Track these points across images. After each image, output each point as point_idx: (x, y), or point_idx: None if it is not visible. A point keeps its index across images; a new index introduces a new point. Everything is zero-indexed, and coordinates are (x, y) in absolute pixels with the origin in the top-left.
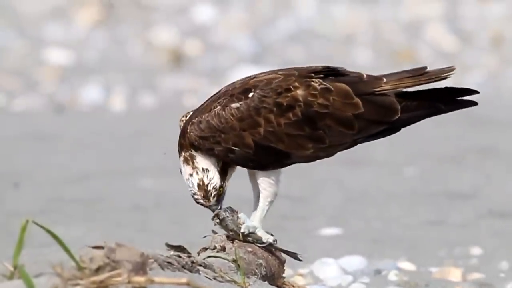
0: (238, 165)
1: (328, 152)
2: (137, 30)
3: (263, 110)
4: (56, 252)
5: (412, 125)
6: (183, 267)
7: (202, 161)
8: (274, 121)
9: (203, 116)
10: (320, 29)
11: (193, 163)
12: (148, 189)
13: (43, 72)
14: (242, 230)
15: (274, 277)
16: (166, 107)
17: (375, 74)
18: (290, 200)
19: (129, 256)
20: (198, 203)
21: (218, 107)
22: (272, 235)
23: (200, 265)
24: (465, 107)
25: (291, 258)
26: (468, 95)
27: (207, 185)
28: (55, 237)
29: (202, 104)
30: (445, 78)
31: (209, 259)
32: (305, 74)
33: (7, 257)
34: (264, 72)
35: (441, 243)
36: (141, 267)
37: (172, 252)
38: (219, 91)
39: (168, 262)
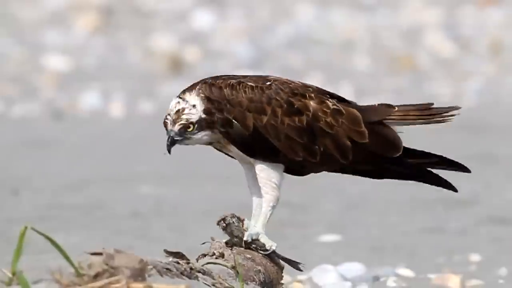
0: (230, 141)
1: (314, 168)
2: (136, 36)
3: (274, 101)
4: (54, 258)
5: (410, 130)
6: (181, 273)
7: (195, 100)
8: (280, 117)
9: (217, 81)
10: (319, 35)
11: (189, 95)
12: (147, 195)
13: (42, 79)
14: (245, 238)
15: (272, 283)
16: (165, 114)
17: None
18: (290, 206)
19: (128, 263)
20: (164, 123)
21: (234, 81)
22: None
23: (199, 272)
24: (445, 188)
25: (290, 266)
26: (459, 170)
27: (183, 114)
28: (54, 243)
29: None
30: (449, 119)
31: (208, 266)
32: (322, 91)
33: (6, 263)
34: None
35: (440, 250)
36: (139, 274)
37: (170, 259)
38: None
39: (167, 269)
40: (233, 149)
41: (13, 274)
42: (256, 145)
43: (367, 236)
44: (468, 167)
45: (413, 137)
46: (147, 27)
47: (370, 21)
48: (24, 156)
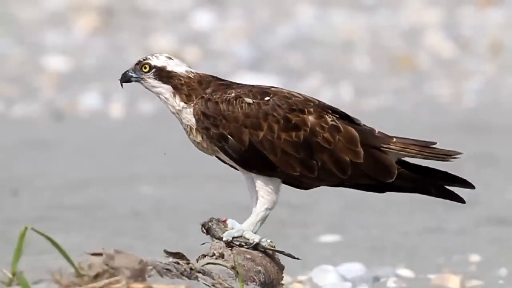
0: (227, 156)
1: (313, 183)
2: (136, 37)
3: (271, 117)
4: (55, 259)
5: (409, 130)
6: (181, 274)
7: (178, 67)
8: (276, 132)
9: (214, 96)
10: (319, 35)
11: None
12: (147, 195)
13: (42, 79)
14: (224, 239)
15: (273, 284)
16: (165, 114)
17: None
18: (290, 207)
19: (128, 263)
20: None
21: (233, 94)
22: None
23: (199, 272)
24: (453, 200)
25: (289, 257)
26: (463, 186)
27: (148, 56)
28: (54, 244)
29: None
30: (448, 160)
31: (207, 266)
32: (323, 106)
33: (6, 264)
34: (288, 90)
35: (439, 250)
36: (139, 274)
37: (171, 259)
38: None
39: (167, 269)
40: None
41: (13, 274)
42: (252, 160)
43: (367, 236)
44: (467, 165)
45: (413, 136)
46: (147, 27)
47: (370, 21)
48: (24, 156)
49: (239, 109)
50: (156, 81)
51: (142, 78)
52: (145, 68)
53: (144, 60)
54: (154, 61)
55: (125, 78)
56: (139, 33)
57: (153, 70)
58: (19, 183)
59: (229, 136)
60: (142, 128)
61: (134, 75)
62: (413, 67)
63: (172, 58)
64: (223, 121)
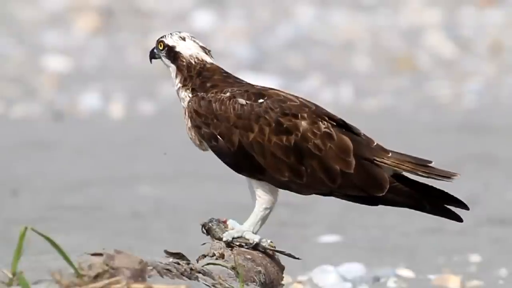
0: (217, 156)
1: (301, 189)
2: (136, 37)
3: (262, 120)
4: (55, 259)
5: (409, 130)
6: (182, 274)
7: (186, 49)
8: (267, 135)
9: (209, 95)
10: (319, 36)
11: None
12: (147, 196)
13: (42, 79)
14: (224, 239)
15: (273, 284)
16: (165, 114)
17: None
18: (289, 207)
19: (128, 263)
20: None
21: (227, 94)
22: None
23: (199, 272)
24: (448, 218)
25: (289, 258)
26: (458, 206)
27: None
28: (54, 244)
29: (224, 73)
30: (445, 180)
31: (208, 266)
32: (320, 113)
33: (6, 264)
34: (287, 93)
35: (440, 251)
36: (140, 274)
37: (171, 259)
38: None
39: (167, 269)
40: None
41: (13, 274)
42: (241, 162)
43: (367, 236)
44: (467, 166)
45: (413, 136)
46: (147, 27)
47: (370, 21)
48: (24, 156)
49: (232, 110)
50: (167, 60)
51: (159, 56)
52: (161, 46)
53: (161, 38)
54: (168, 40)
55: (151, 55)
56: (139, 33)
57: (165, 49)
58: (19, 183)
59: (219, 136)
60: (142, 128)
61: (156, 51)
62: (413, 67)
63: (187, 39)
64: (215, 120)
